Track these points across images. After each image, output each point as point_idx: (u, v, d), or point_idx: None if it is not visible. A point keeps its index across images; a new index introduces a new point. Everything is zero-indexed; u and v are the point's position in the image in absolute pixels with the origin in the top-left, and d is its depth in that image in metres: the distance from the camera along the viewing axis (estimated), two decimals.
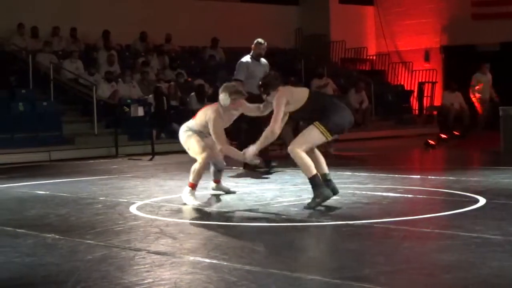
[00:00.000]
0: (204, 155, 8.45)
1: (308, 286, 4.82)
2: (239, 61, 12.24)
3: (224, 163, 9.14)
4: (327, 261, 5.49)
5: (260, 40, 12.33)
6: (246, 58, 12.21)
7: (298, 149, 7.64)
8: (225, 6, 24.65)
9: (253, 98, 11.61)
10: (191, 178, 8.44)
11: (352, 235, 6.49)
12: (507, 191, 8.96)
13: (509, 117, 14.91)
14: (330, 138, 7.79)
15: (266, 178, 11.05)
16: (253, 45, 12.25)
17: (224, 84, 8.65)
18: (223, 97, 8.37)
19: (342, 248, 5.97)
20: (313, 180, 7.69)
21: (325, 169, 8.00)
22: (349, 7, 26.37)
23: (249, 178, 11.00)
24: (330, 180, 8.01)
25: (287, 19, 25.75)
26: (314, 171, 7.69)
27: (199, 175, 8.46)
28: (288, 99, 7.78)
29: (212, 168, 9.11)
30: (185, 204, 8.38)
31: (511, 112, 14.94)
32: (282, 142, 16.10)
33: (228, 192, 9.19)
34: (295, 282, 4.90)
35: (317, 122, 7.68)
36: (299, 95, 7.82)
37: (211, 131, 8.36)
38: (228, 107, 8.44)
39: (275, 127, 7.78)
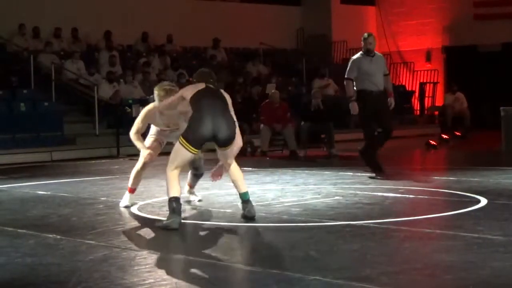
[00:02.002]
0: (143, 158, 8.33)
1: (309, 287, 4.81)
2: (351, 58, 11.80)
3: (203, 171, 8.59)
4: (328, 262, 5.48)
5: (364, 34, 11.66)
6: (357, 55, 11.65)
7: (169, 169, 7.15)
8: (227, 6, 24.64)
9: (364, 96, 11.40)
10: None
11: (354, 236, 6.49)
12: (508, 192, 8.95)
13: (510, 117, 14.90)
14: (195, 151, 7.14)
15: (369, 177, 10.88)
16: (362, 42, 11.56)
17: (160, 83, 8.40)
18: (155, 96, 8.10)
19: (343, 249, 5.97)
20: (170, 203, 7.07)
21: (242, 188, 7.46)
22: (350, 7, 26.35)
23: (250, 178, 10.99)
24: (247, 201, 7.41)
25: (289, 19, 25.74)
26: (175, 194, 7.09)
27: (134, 178, 8.41)
28: (183, 94, 7.36)
29: (190, 172, 8.64)
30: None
31: None
32: (283, 143, 16.15)
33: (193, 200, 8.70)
34: (297, 283, 4.90)
35: (180, 136, 7.24)
36: (189, 93, 7.30)
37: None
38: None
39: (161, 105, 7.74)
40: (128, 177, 8.54)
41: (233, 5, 24.88)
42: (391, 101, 11.60)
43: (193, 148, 7.13)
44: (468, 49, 23.99)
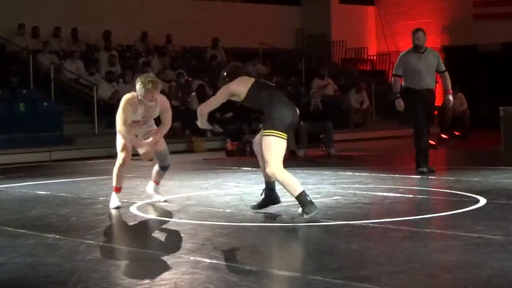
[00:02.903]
0: (121, 155, 8.40)
1: (309, 286, 4.81)
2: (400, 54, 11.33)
3: (169, 162, 8.58)
4: (328, 261, 5.48)
5: (413, 30, 11.13)
6: (406, 51, 11.17)
7: (277, 169, 7.13)
8: (226, 6, 24.65)
9: (409, 94, 10.86)
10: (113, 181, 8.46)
11: (353, 235, 6.48)
12: (507, 191, 8.95)
13: (509, 117, 14.90)
14: (285, 136, 7.20)
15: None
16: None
17: (142, 75, 8.51)
18: (137, 86, 8.10)
19: (343, 248, 5.97)
20: (302, 197, 7.09)
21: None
22: (350, 7, 26.37)
23: (250, 178, 10.99)
24: (273, 190, 7.57)
25: (288, 19, 25.75)
26: (301, 188, 7.12)
27: (117, 176, 8.43)
28: (234, 90, 7.40)
29: (155, 167, 8.68)
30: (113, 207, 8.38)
31: None
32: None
33: (158, 200, 8.67)
34: (297, 282, 4.90)
35: (265, 131, 7.21)
36: (242, 88, 7.37)
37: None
38: (144, 97, 8.11)
39: (204, 106, 7.59)
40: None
41: (232, 5, 24.89)
42: (448, 98, 11.16)
43: (284, 134, 7.20)
44: (468, 49, 23.99)
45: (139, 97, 8.14)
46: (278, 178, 7.17)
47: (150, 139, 8.27)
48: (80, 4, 21.07)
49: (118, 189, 8.44)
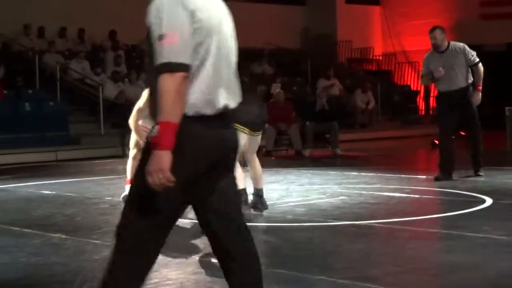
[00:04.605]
0: (132, 151, 8.57)
1: (315, 286, 4.81)
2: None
3: None
4: (333, 261, 5.48)
5: (431, 28, 10.58)
6: (428, 52, 10.62)
7: None
8: (231, 5, 24.51)
9: (437, 97, 10.55)
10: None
11: (359, 235, 6.48)
12: None
13: None
14: (246, 131, 7.46)
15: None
16: None
17: None
18: None
19: (348, 248, 5.96)
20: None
21: (259, 184, 7.80)
22: (355, 7, 26.34)
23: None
24: (261, 196, 7.78)
25: (293, 19, 25.74)
26: (241, 186, 7.18)
27: (130, 169, 8.59)
28: None
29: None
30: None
31: None
32: (288, 143, 16.15)
33: None
34: (302, 282, 4.90)
35: None
36: None
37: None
38: None
39: None
40: None
41: (237, 5, 24.80)
42: (475, 96, 10.41)
43: (245, 129, 7.44)
44: (474, 49, 23.90)
45: None
46: None
47: None
48: (86, 4, 21.06)
49: (129, 182, 8.63)
